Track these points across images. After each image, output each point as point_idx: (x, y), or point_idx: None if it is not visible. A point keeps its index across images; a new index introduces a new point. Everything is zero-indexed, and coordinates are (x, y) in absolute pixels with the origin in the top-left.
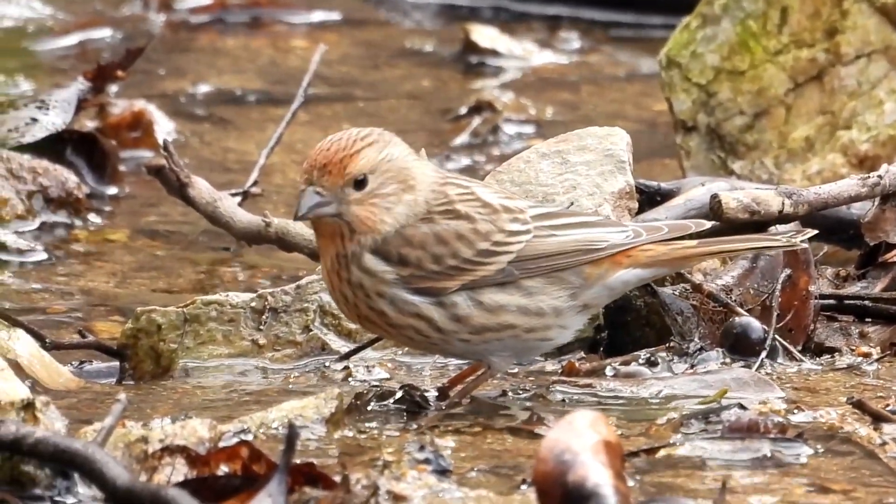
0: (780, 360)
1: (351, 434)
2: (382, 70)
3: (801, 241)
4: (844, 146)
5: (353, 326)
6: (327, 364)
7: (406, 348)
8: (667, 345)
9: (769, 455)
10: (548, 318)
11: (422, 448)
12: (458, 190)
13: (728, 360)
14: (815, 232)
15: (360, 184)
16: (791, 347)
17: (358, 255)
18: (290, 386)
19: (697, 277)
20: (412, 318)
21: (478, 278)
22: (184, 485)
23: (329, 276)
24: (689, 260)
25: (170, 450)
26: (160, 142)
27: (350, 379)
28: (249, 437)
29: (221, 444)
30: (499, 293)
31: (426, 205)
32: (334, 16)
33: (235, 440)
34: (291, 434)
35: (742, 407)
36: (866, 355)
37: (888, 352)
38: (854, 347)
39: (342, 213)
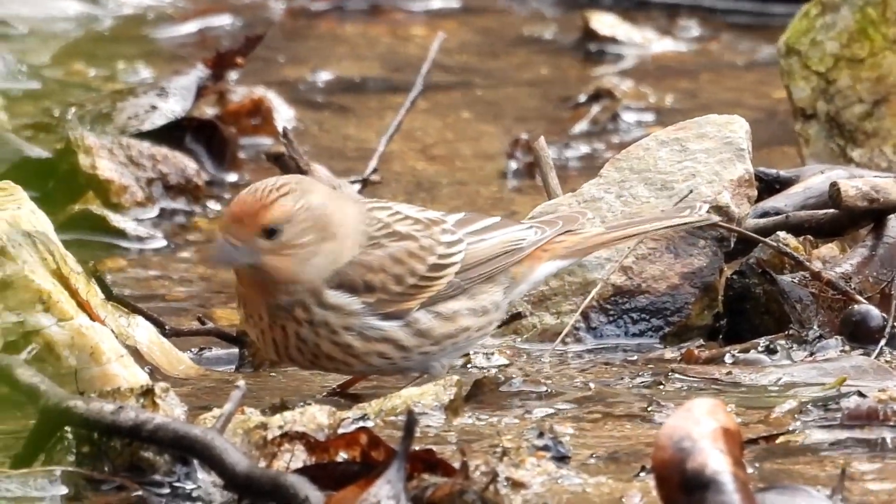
0: None
1: (470, 421)
2: (501, 58)
3: (709, 214)
4: None
5: None
6: None
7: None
8: (786, 332)
9: (888, 442)
10: (492, 314)
11: (541, 435)
12: (386, 212)
13: (847, 347)
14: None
15: (272, 234)
16: None
17: (316, 293)
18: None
19: (816, 265)
20: (379, 344)
21: (434, 294)
22: (303, 471)
23: (268, 329)
24: (603, 246)
25: (289, 436)
26: (280, 129)
27: (469, 366)
28: (369, 424)
29: (340, 431)
30: (450, 301)
31: (363, 237)
32: (453, 3)
33: (354, 427)
34: (410, 421)
35: (861, 395)
36: None
37: None
38: None
39: (255, 262)
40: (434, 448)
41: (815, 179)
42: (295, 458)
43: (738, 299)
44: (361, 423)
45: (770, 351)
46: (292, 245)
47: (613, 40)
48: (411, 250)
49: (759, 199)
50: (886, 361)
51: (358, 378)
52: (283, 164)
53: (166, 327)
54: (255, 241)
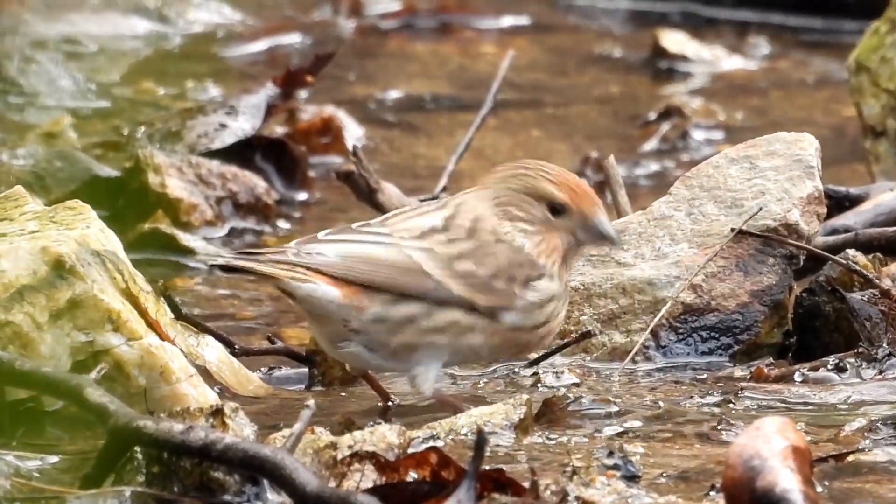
0: None
1: (540, 440)
2: (571, 76)
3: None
4: None
5: None
6: (516, 370)
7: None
8: (855, 350)
9: None
10: None
11: (611, 454)
12: None
13: None
14: None
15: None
16: None
17: None
18: (479, 392)
19: (886, 283)
20: None
21: None
22: (373, 491)
23: None
24: None
25: (359, 456)
26: (350, 147)
27: (539, 385)
28: (438, 443)
29: (410, 450)
30: None
31: None
32: (523, 21)
33: (424, 446)
34: (480, 440)
35: None
36: None
37: None
38: None
39: None
40: (504, 467)
41: (884, 197)
42: (365, 477)
43: (807, 317)
44: (431, 443)
45: (840, 369)
46: None
47: (683, 58)
48: None
49: (829, 216)
50: None
51: None
52: (354, 182)
53: (236, 346)
54: None
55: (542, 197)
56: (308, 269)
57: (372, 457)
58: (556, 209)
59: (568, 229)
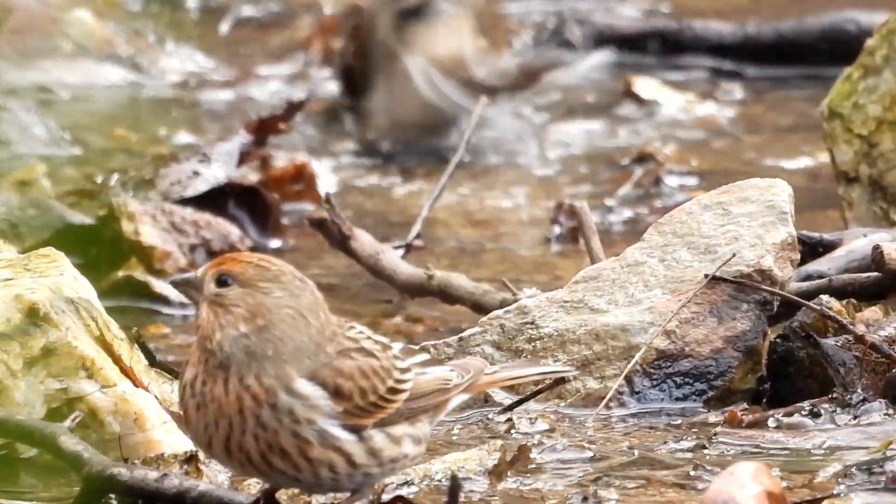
0: None
1: (514, 486)
2: None
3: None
4: None
5: None
6: (490, 416)
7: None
8: (829, 396)
9: None
10: (422, 445)
11: (585, 500)
12: (355, 330)
13: (891, 411)
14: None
15: (221, 283)
16: None
17: (284, 378)
18: (454, 437)
19: (860, 329)
20: (333, 454)
21: (386, 416)
22: None
23: (212, 398)
24: (494, 385)
25: None
26: (322, 194)
27: (513, 431)
28: (413, 489)
29: (385, 497)
30: (396, 426)
31: (323, 348)
32: None
33: (397, 492)
34: (454, 486)
35: None
36: None
37: None
38: None
39: (193, 299)
40: None
41: (858, 243)
42: None
43: (781, 363)
44: (406, 489)
45: (814, 414)
46: (225, 304)
47: (656, 104)
48: (375, 368)
49: (803, 262)
50: None
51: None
52: (326, 229)
53: None
54: (208, 282)
55: None
56: None
57: None
58: None
59: None
